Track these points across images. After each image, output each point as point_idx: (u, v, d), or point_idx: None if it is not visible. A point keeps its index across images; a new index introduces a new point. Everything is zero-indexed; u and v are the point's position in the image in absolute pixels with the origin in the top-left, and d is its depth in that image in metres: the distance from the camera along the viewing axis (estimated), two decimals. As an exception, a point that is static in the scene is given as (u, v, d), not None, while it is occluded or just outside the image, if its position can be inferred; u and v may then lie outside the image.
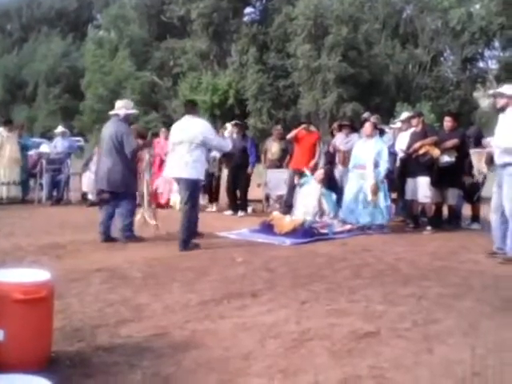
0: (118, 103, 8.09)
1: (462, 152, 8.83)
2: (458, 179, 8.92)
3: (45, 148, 13.13)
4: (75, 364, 3.49)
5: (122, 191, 7.70)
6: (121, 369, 3.44)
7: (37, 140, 20.40)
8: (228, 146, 8.24)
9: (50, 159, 12.54)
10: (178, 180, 7.58)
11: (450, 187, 9.10)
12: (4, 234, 8.11)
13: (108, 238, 7.70)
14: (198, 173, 7.40)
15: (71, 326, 4.14)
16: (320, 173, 9.41)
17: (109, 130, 7.80)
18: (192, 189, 7.38)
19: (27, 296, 3.25)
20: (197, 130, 7.38)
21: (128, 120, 8.01)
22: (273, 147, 11.70)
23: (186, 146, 7.32)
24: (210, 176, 10.82)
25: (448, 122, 9.33)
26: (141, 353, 3.68)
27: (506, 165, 6.71)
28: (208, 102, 34.72)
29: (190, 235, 7.40)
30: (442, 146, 8.91)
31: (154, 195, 9.38)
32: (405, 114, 10.55)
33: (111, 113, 8.06)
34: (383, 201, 8.82)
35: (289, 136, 10.75)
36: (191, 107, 7.77)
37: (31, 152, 13.19)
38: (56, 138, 13.35)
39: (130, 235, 7.74)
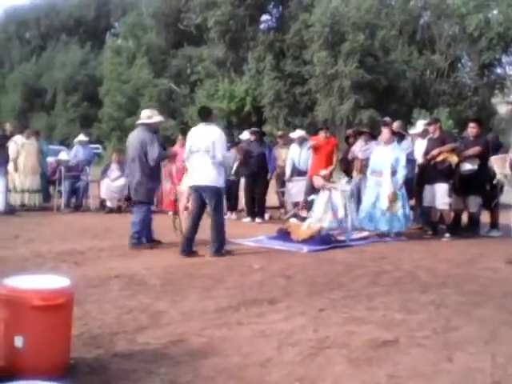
0: (144, 112, 8.17)
1: (484, 159, 8.73)
2: (481, 187, 8.81)
3: (63, 155, 13.21)
4: (94, 371, 3.51)
5: (139, 199, 7.89)
6: (139, 376, 3.45)
7: (55, 147, 20.49)
8: (230, 163, 8.36)
9: (69, 166, 12.63)
10: (202, 188, 7.43)
11: (472, 195, 9.02)
12: (23, 241, 8.17)
13: (138, 244, 7.76)
14: (220, 180, 7.43)
15: (90, 332, 4.16)
16: (318, 178, 9.29)
17: (134, 138, 7.95)
18: (217, 196, 7.44)
19: (46, 302, 3.27)
20: (210, 138, 7.31)
21: (153, 128, 8.03)
22: (282, 154, 11.49)
23: (205, 155, 7.28)
24: (228, 183, 10.79)
25: (473, 129, 9.21)
26: (159, 360, 3.69)
27: None
28: (225, 110, 34.83)
29: (222, 241, 7.41)
30: (463, 153, 8.83)
31: (173, 203, 9.32)
32: (420, 125, 10.07)
33: (138, 122, 8.17)
34: (401, 208, 8.73)
35: (309, 145, 10.60)
36: (205, 114, 7.68)
37: (50, 159, 13.28)
38: (76, 147, 13.36)
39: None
